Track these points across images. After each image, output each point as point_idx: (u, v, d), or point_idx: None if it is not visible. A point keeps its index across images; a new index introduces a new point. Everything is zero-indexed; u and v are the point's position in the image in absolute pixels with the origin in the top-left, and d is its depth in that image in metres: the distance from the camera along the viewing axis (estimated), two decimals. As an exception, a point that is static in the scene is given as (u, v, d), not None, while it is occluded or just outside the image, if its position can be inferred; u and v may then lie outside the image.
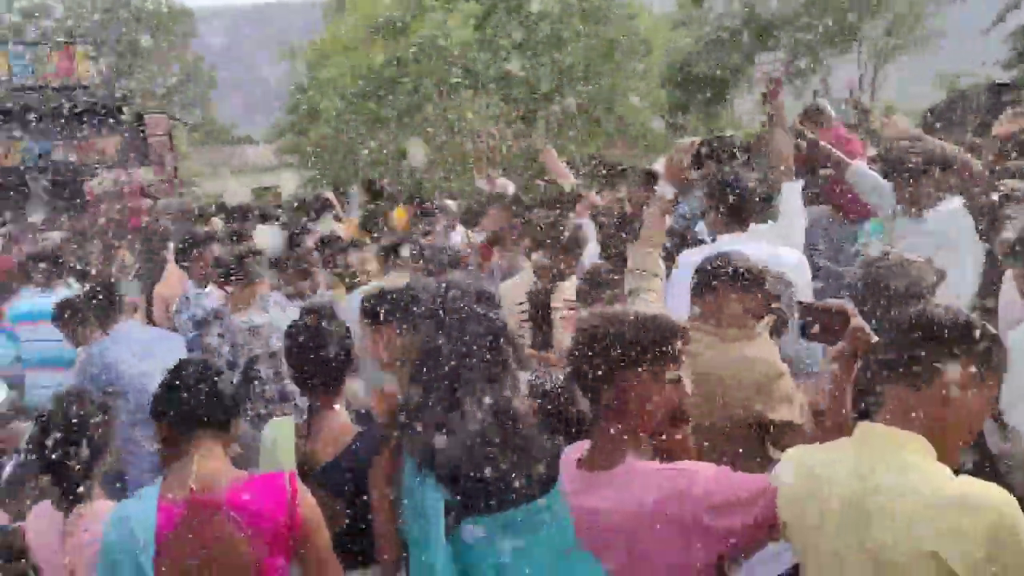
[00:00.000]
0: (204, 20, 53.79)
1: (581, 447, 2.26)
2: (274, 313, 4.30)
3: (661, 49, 23.12)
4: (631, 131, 18.36)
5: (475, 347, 2.33)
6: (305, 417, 2.86)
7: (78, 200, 12.64)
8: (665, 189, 3.18)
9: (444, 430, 2.27)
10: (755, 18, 24.67)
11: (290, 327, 2.89)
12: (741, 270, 2.77)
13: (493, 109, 16.08)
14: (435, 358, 2.35)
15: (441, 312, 2.38)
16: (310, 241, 5.66)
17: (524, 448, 2.30)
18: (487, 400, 2.31)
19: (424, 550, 2.27)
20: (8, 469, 4.03)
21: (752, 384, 2.65)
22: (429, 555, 2.26)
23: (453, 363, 2.32)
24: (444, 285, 2.43)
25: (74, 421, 2.65)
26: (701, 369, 2.60)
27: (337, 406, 2.83)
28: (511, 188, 7.76)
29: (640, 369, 2.07)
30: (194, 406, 2.30)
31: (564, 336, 3.63)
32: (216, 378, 2.36)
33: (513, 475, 2.25)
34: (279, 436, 2.77)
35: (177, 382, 2.34)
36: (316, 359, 2.75)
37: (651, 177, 5.24)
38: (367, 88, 17.22)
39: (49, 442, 2.65)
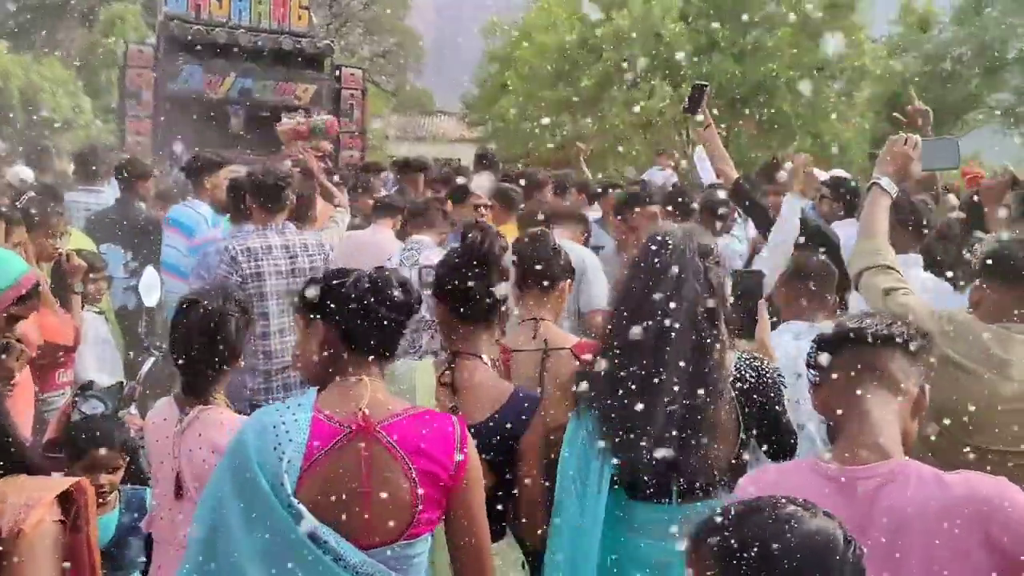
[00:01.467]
0: (420, -8, 55.85)
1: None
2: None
3: (875, 75, 21.64)
4: (827, 152, 17.32)
5: (692, 308, 2.06)
6: (447, 366, 2.42)
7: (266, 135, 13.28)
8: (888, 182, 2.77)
9: (640, 402, 2.00)
10: (985, 51, 22.46)
11: (449, 252, 2.56)
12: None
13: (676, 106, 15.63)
14: (643, 314, 2.07)
15: (656, 260, 2.11)
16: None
17: (718, 437, 2.08)
18: (694, 374, 2.04)
19: (578, 518, 2.07)
20: (146, 367, 4.11)
21: None
22: (584, 522, 2.05)
23: (665, 324, 2.04)
24: (666, 232, 2.17)
25: (213, 316, 2.55)
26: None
27: (485, 357, 2.44)
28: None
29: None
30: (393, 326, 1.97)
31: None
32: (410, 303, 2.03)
33: (704, 465, 2.03)
34: (420, 381, 2.34)
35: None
36: (475, 290, 2.37)
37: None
38: (557, 68, 17.14)
39: (183, 334, 2.57)
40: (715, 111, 17.19)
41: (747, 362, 2.24)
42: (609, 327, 2.22)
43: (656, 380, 2.03)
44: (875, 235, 2.66)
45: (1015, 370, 2.26)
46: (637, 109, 15.54)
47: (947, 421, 2.14)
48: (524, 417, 2.28)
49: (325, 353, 1.94)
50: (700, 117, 4.76)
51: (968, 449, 2.17)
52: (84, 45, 27.12)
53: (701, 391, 2.04)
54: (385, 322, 1.92)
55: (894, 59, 23.56)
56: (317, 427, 1.84)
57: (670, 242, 2.14)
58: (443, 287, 2.41)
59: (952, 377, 2.27)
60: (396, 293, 1.93)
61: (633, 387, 2.04)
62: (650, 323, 2.06)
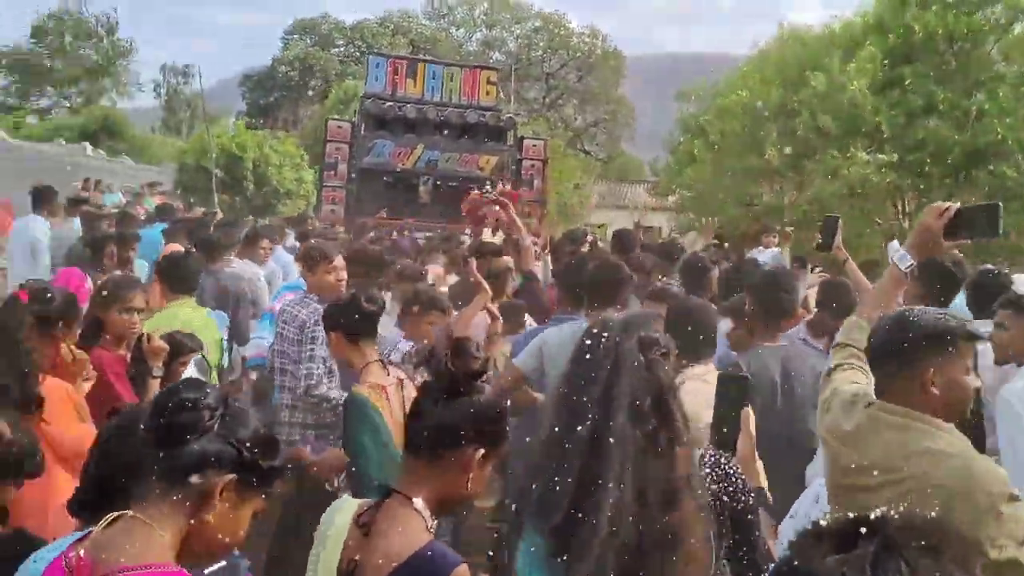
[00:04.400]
0: (634, 62, 56.57)
1: None
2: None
3: None
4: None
5: (631, 405, 1.80)
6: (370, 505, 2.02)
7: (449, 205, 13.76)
8: (903, 255, 2.52)
9: (584, 515, 1.74)
10: None
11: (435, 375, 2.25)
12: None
13: (887, 173, 14.37)
14: (578, 413, 1.82)
15: (589, 355, 1.87)
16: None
17: (689, 553, 1.78)
18: (649, 480, 1.77)
19: None
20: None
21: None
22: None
23: (607, 423, 1.78)
24: (606, 322, 1.93)
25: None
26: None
27: (419, 502, 1.98)
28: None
29: None
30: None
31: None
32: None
33: None
34: (336, 521, 2.01)
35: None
36: (434, 424, 2.05)
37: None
38: (751, 134, 16.37)
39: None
40: (932, 180, 15.64)
41: (713, 460, 2.06)
42: (541, 436, 1.91)
43: (597, 486, 1.75)
44: (860, 312, 2.61)
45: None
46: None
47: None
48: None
49: None
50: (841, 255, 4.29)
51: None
52: (316, 121, 29.62)
53: (652, 495, 1.75)
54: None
55: None
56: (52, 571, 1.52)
57: (605, 334, 1.88)
58: (412, 414, 2.11)
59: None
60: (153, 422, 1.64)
61: (574, 497, 1.77)
62: (583, 424, 1.79)
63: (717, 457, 2.11)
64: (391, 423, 3.12)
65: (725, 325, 4.40)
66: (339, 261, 4.54)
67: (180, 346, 3.85)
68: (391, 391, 3.27)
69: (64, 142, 24.03)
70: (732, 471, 2.09)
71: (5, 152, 19.43)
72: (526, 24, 48.04)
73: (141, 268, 7.18)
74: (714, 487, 2.03)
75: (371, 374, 3.32)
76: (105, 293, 3.93)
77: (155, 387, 3.66)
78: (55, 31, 36.42)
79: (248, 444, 1.61)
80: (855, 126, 15.17)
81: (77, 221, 9.21)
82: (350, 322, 3.41)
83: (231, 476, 1.58)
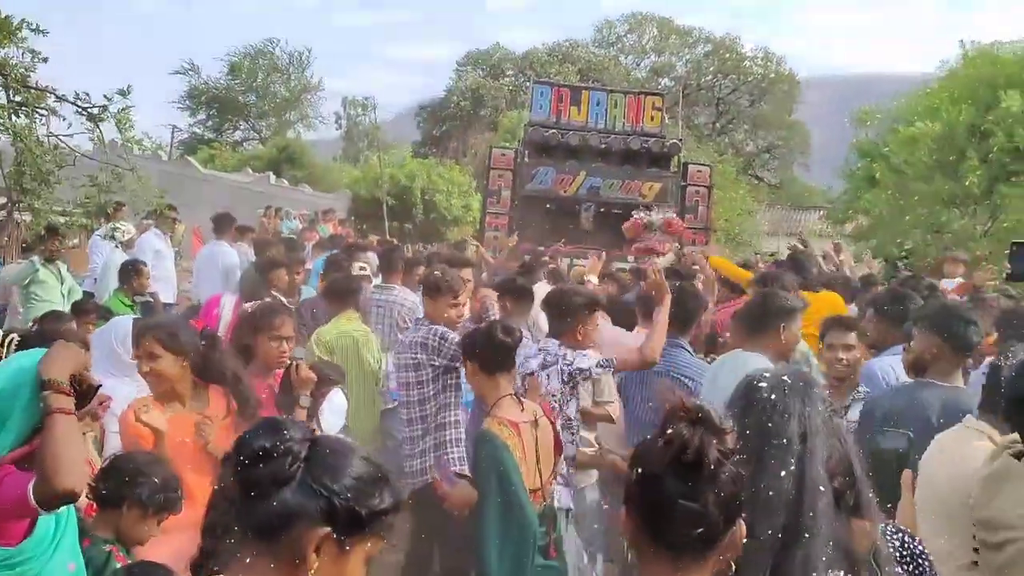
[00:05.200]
0: (810, 86, 54.43)
1: None
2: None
3: None
4: None
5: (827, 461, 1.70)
6: None
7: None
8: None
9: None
10: None
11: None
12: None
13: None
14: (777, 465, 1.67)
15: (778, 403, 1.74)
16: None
17: None
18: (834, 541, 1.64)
19: None
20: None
21: None
22: None
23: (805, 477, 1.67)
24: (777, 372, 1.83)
25: None
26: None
27: None
28: None
29: None
30: None
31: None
32: None
33: None
34: None
35: None
36: None
37: None
38: (939, 158, 15.14)
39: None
40: None
41: (899, 538, 1.94)
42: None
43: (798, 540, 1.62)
44: None
45: None
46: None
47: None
48: None
49: None
50: None
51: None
52: (485, 150, 30.33)
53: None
54: None
55: None
56: None
57: (785, 386, 1.76)
58: None
59: None
60: None
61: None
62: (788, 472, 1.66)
63: (903, 535, 1.94)
64: (522, 462, 2.98)
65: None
66: (463, 298, 4.46)
67: (321, 377, 3.82)
68: (524, 429, 3.13)
69: (251, 172, 25.76)
70: (919, 551, 1.94)
71: (198, 182, 20.99)
72: (696, 49, 47.31)
73: (308, 294, 7.44)
74: (899, 570, 1.88)
75: (502, 408, 3.20)
76: (255, 320, 3.93)
77: (302, 417, 3.65)
78: (250, 69, 39.32)
79: (342, 491, 1.43)
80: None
81: (244, 246, 9.80)
82: (486, 353, 3.31)
83: (325, 530, 1.42)
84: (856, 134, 19.92)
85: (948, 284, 8.42)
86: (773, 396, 1.75)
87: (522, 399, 3.33)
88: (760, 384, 1.78)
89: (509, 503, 2.91)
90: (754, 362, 3.12)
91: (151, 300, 8.82)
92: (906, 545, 1.93)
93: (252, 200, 18.90)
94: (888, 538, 1.92)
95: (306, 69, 40.98)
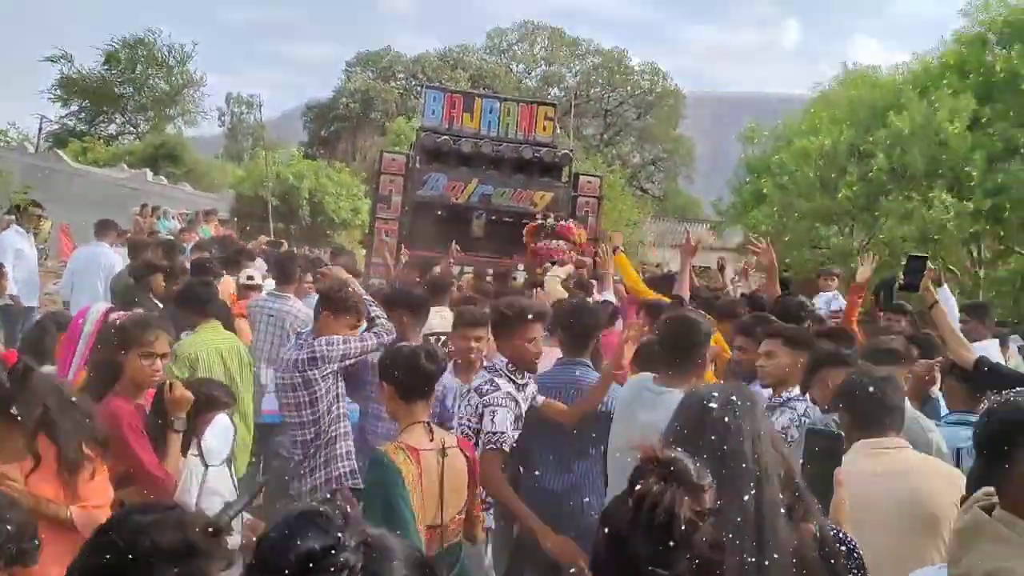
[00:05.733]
0: (693, 103, 56.23)
1: None
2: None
3: None
4: None
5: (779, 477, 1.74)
6: None
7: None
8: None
9: None
10: None
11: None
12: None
13: (967, 219, 13.76)
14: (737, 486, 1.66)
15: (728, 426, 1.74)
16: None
17: None
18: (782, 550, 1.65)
19: None
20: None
21: None
22: None
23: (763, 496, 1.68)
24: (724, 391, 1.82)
25: None
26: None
27: None
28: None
29: None
30: None
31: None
32: None
33: None
34: None
35: None
36: None
37: None
38: (821, 175, 15.84)
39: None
40: (1011, 227, 14.92)
41: (850, 543, 2.00)
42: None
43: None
44: None
45: None
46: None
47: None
48: None
49: None
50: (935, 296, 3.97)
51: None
52: (375, 153, 29.88)
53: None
54: None
55: None
56: None
57: (734, 406, 1.77)
58: None
59: None
60: None
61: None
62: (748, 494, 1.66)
63: (854, 542, 2.02)
64: (415, 488, 2.84)
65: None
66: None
67: (208, 399, 3.53)
68: (426, 457, 2.97)
69: (127, 167, 24.51)
70: (853, 545, 2.01)
71: (69, 177, 19.82)
72: (586, 61, 48.11)
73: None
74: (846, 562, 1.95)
75: (409, 435, 3.04)
76: (123, 334, 3.50)
77: (176, 443, 3.38)
78: (128, 60, 37.40)
79: None
80: (935, 168, 14.60)
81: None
82: (407, 379, 3.10)
83: None
84: (744, 150, 20.64)
85: (822, 298, 8.75)
86: (726, 418, 1.72)
87: (434, 427, 3.16)
88: (710, 404, 1.75)
89: (387, 524, 2.76)
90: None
91: (11, 303, 8.20)
92: (842, 541, 1.99)
93: (127, 198, 17.98)
94: (841, 540, 2.00)
95: (188, 63, 39.36)
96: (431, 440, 3.04)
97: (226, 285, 6.69)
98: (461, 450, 3.16)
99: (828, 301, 8.69)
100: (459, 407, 4.03)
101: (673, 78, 48.58)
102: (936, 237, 14.46)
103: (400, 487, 2.81)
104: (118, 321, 3.81)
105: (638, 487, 1.32)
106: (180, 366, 4.63)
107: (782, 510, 1.69)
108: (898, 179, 15.23)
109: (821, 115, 17.52)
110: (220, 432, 3.56)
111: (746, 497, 1.62)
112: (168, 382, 3.42)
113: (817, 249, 16.96)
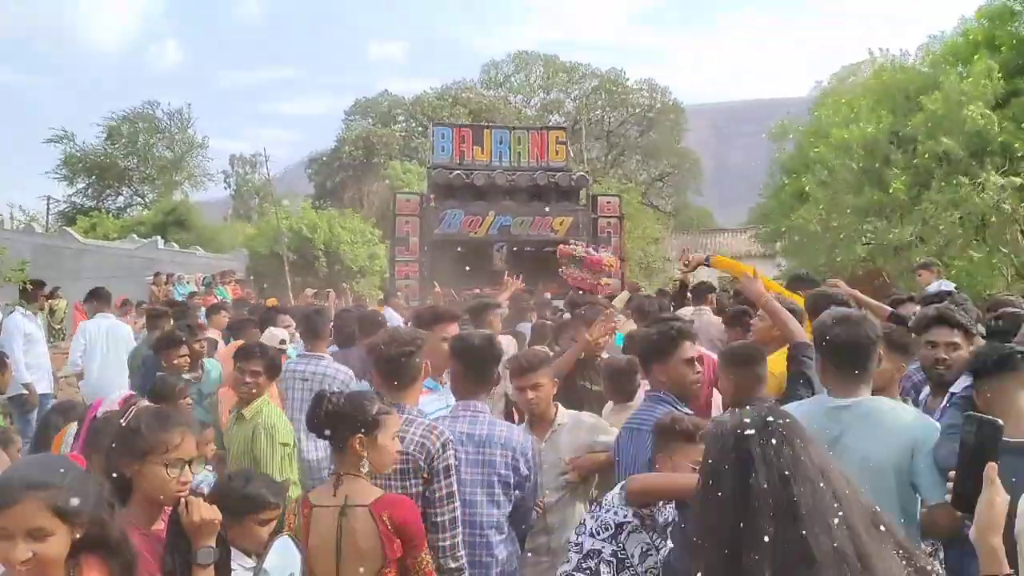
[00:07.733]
0: (694, 114, 55.98)
1: None
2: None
3: None
4: None
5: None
6: None
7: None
8: None
9: None
10: None
11: None
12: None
13: (1014, 197, 13.05)
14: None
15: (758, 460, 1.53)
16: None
17: None
18: None
19: None
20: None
21: None
22: None
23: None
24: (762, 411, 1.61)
25: None
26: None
27: None
28: None
29: None
30: None
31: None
32: None
33: None
34: None
35: None
36: None
37: None
38: (864, 167, 15.13)
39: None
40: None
41: None
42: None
43: None
44: None
45: None
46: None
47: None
48: None
49: None
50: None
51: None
52: (384, 198, 29.66)
53: None
54: None
55: None
56: None
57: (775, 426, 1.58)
58: None
59: None
60: None
61: None
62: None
63: None
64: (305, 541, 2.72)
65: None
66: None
67: (256, 501, 2.85)
68: (321, 514, 2.73)
69: (137, 237, 24.31)
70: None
71: (79, 253, 19.59)
72: (584, 84, 47.94)
73: (214, 368, 6.48)
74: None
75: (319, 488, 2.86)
76: (133, 437, 2.41)
77: None
78: (129, 132, 37.47)
79: None
80: (980, 147, 13.93)
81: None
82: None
83: None
84: (777, 148, 20.07)
85: (931, 290, 8.06)
86: (771, 451, 1.53)
87: (341, 482, 2.73)
88: (747, 433, 1.55)
89: None
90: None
91: (25, 392, 7.74)
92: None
93: (141, 268, 17.68)
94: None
95: (188, 127, 39.40)
96: (334, 495, 2.71)
97: (225, 355, 6.26)
98: (381, 514, 2.66)
99: (939, 289, 8.02)
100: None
101: (672, 92, 48.39)
102: (992, 219, 13.71)
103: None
104: (123, 422, 2.49)
105: None
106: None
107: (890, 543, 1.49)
108: (942, 164, 14.51)
109: (860, 102, 16.90)
110: (281, 566, 2.63)
111: (835, 521, 1.46)
112: (184, 500, 2.37)
113: (867, 245, 16.07)
